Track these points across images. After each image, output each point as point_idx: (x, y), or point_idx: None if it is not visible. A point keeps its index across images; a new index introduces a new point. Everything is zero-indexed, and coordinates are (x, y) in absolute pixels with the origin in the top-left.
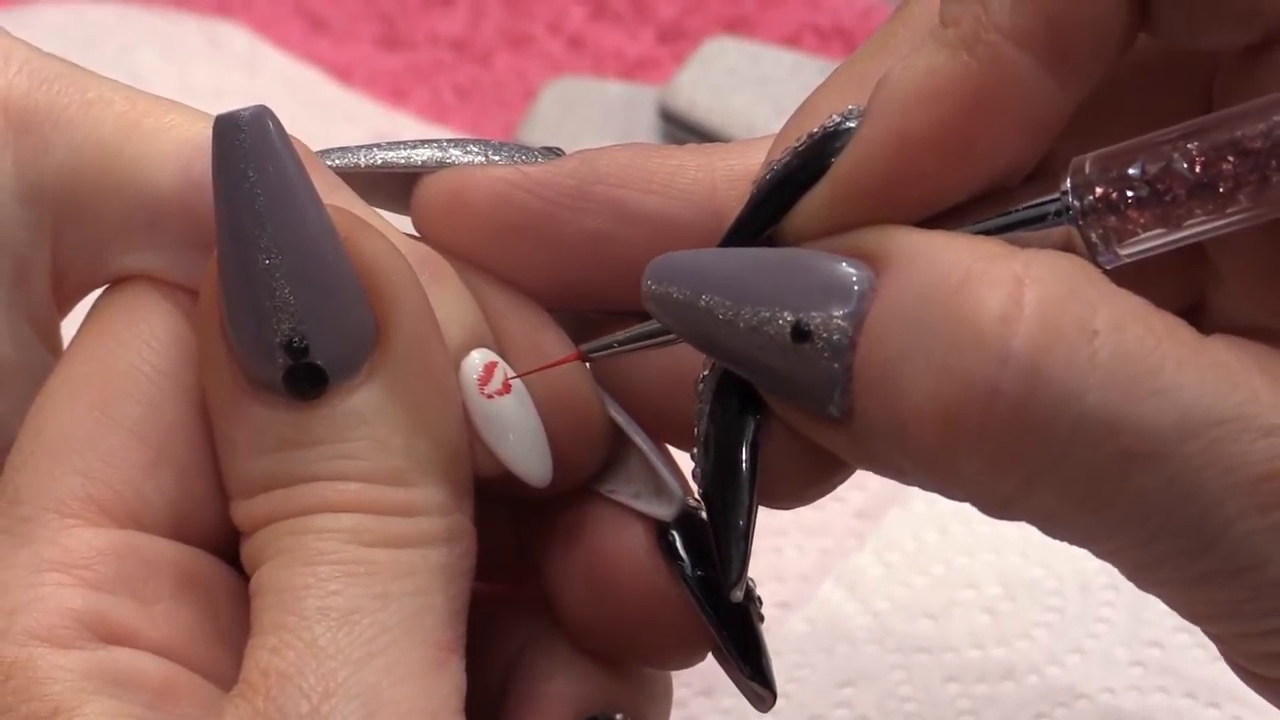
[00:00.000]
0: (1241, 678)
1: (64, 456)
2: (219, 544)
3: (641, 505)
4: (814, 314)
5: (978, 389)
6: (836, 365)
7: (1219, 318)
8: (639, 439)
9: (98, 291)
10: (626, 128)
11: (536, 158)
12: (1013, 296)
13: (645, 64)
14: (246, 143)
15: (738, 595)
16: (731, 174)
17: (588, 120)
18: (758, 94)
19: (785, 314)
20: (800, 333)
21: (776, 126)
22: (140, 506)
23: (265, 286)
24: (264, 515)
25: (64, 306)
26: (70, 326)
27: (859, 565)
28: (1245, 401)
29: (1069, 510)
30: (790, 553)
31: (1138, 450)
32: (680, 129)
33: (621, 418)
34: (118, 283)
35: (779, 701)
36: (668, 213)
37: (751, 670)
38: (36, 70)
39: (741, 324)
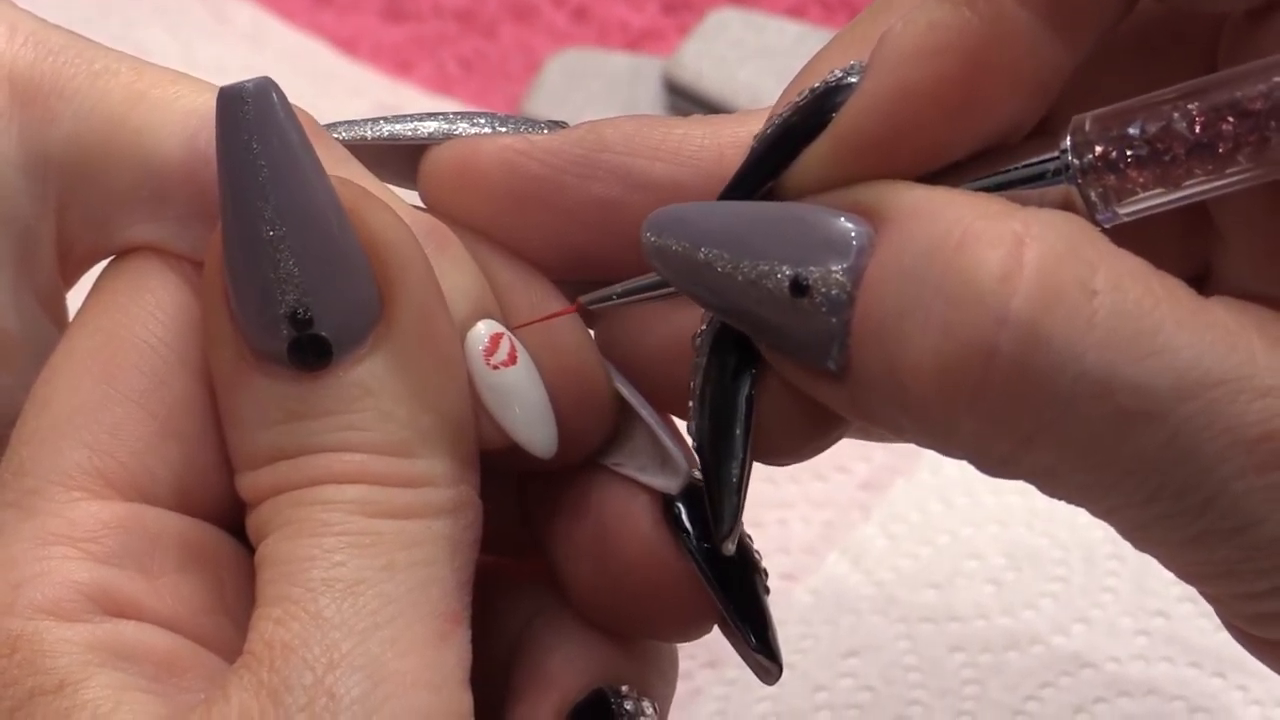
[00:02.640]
0: (1238, 639)
1: (70, 430)
2: (224, 517)
3: (647, 479)
4: (812, 268)
5: (977, 347)
6: (834, 320)
7: (1224, 285)
8: (644, 412)
9: (103, 264)
10: (631, 99)
11: (542, 129)
12: (1013, 255)
13: (650, 35)
14: (250, 114)
15: (729, 548)
16: (738, 141)
17: (593, 92)
18: (762, 65)
19: (784, 268)
20: (798, 287)
21: None
22: (146, 479)
23: (269, 258)
24: (269, 487)
25: (69, 279)
26: (75, 300)
27: (864, 536)
28: (1243, 363)
29: (1067, 469)
30: (796, 525)
31: (1136, 410)
32: (685, 100)
33: (627, 391)
34: (123, 255)
35: (784, 672)
36: (675, 179)
37: (757, 642)
38: (42, 41)
39: (740, 277)
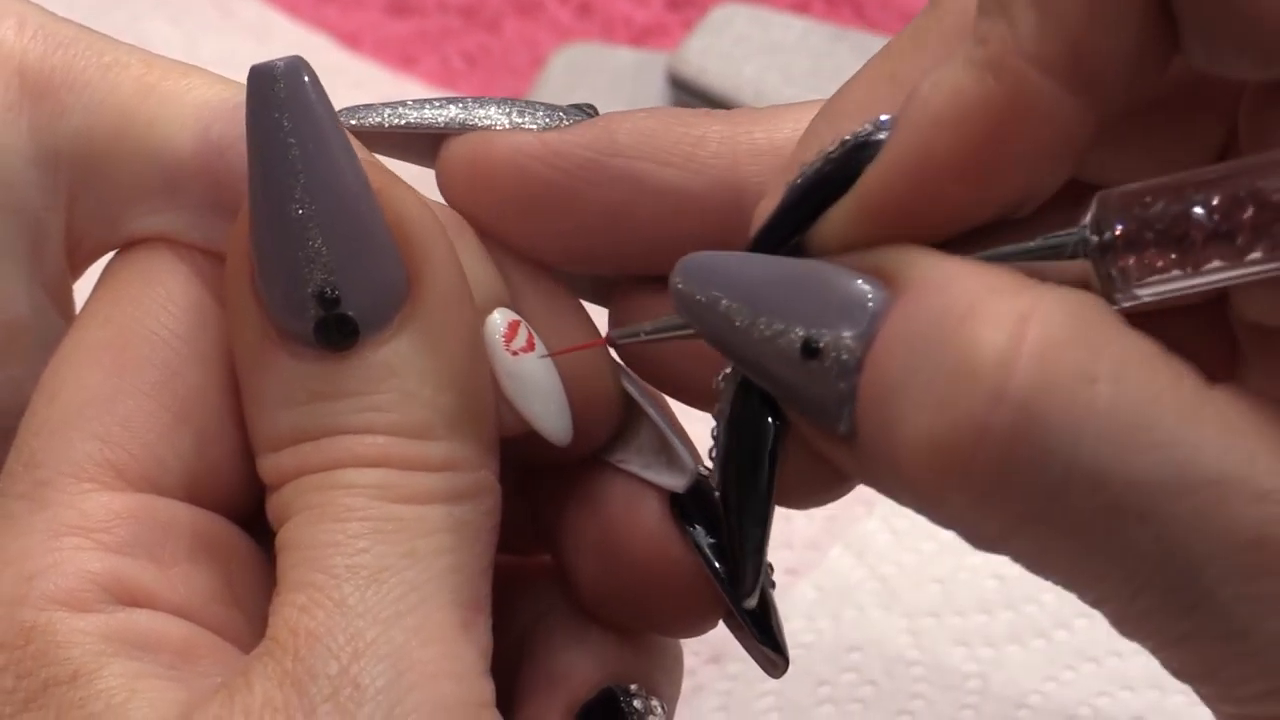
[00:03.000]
0: None
1: (81, 421)
2: (234, 509)
3: (653, 476)
4: (824, 331)
5: (969, 426)
6: (843, 385)
7: (1249, 377)
8: (650, 410)
9: (109, 255)
10: (635, 94)
11: (562, 119)
12: (1015, 335)
13: (654, 30)
14: (282, 93)
15: (750, 603)
16: (754, 147)
17: (596, 87)
18: (767, 60)
19: (797, 328)
20: (810, 349)
21: (785, 93)
22: (157, 470)
23: (298, 237)
24: (291, 469)
25: (76, 270)
26: (81, 291)
27: (867, 531)
28: (1241, 463)
29: (1053, 556)
30: (799, 520)
31: (1127, 505)
32: (689, 95)
33: (634, 388)
34: (132, 246)
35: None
36: (686, 186)
37: (764, 636)
38: (52, 35)
39: (756, 334)
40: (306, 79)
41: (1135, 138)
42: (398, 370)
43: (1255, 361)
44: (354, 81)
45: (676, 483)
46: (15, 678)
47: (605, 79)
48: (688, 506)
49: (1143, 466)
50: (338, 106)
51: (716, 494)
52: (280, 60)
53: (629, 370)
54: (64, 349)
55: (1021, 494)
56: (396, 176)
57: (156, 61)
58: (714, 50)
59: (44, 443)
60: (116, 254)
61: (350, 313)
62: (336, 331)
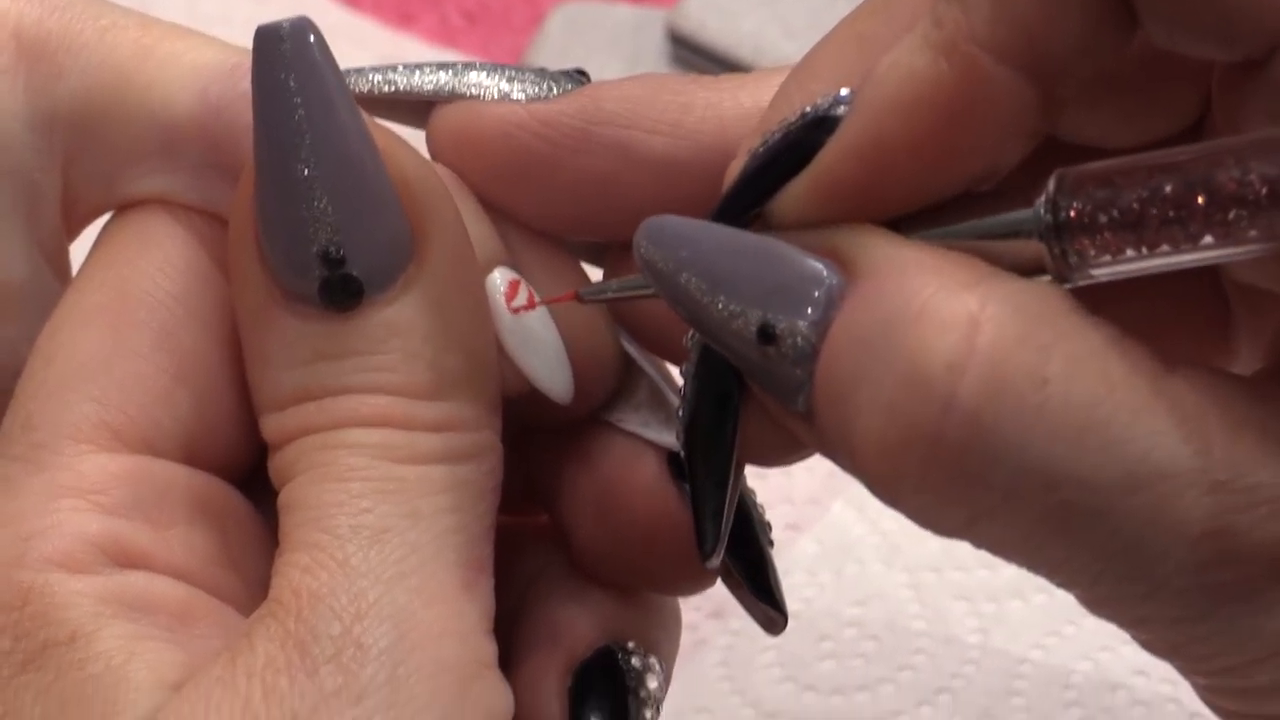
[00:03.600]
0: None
1: (77, 383)
2: (231, 470)
3: (651, 434)
4: (780, 317)
5: (921, 433)
6: (799, 372)
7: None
8: (648, 367)
9: (105, 217)
10: (635, 51)
11: (552, 88)
12: (965, 340)
13: None
14: (288, 53)
15: (713, 563)
16: (741, 111)
17: (596, 44)
18: (766, 15)
19: (754, 311)
20: (765, 334)
21: (785, 48)
22: (154, 432)
23: (304, 197)
24: (294, 428)
25: (73, 231)
26: (78, 253)
27: None
28: (1196, 454)
29: (1011, 547)
30: (800, 474)
31: (1080, 503)
32: (689, 52)
33: (631, 346)
34: (128, 208)
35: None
36: (674, 153)
37: (762, 594)
38: None
39: (715, 311)
40: (312, 39)
41: (1111, 100)
42: (402, 330)
43: (1241, 315)
44: (353, 39)
45: (673, 440)
46: (13, 639)
47: (604, 35)
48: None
49: (1095, 465)
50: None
51: (681, 454)
52: (286, 20)
53: (627, 332)
54: (61, 311)
55: (975, 495)
56: (401, 138)
57: (154, 24)
58: (713, 5)
59: (40, 405)
60: (113, 216)
61: (355, 272)
62: (341, 291)
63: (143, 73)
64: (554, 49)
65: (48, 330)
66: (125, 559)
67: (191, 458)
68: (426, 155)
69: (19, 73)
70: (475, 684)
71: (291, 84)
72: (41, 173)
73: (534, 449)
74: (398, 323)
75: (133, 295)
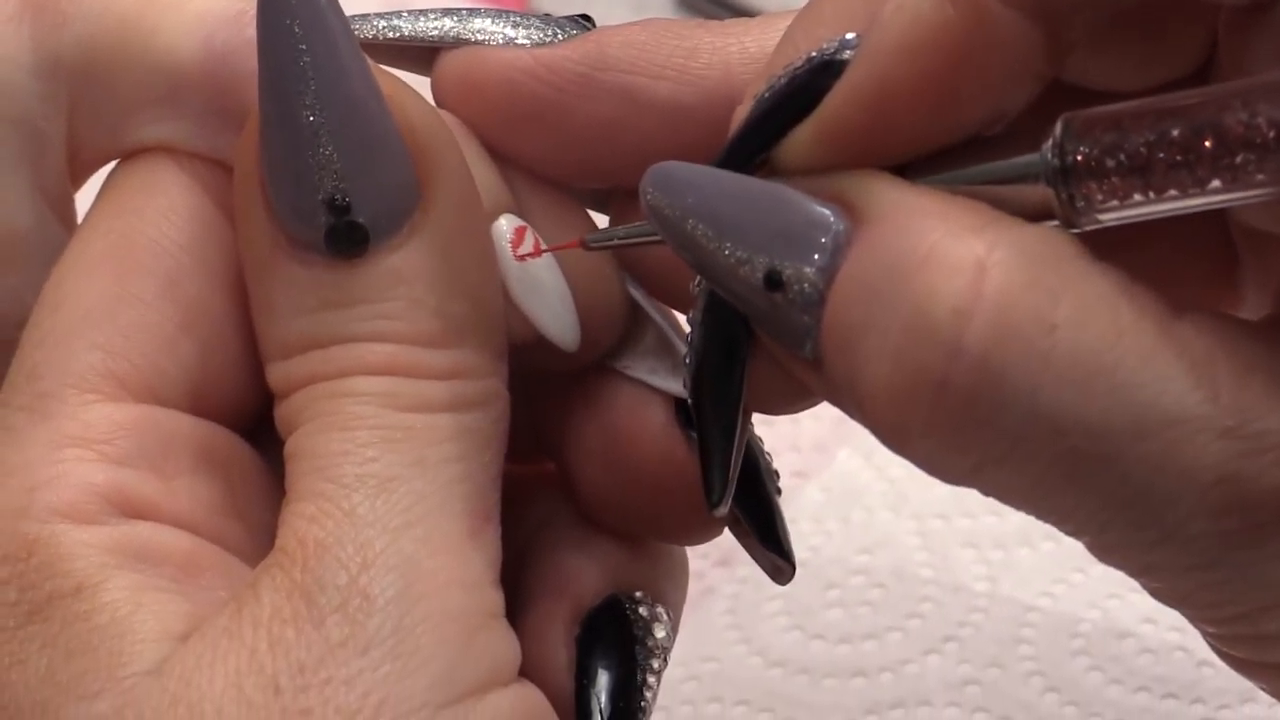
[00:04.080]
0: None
1: (82, 332)
2: (237, 420)
3: (658, 381)
4: (787, 264)
5: (928, 379)
6: (807, 318)
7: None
8: (655, 314)
9: (111, 165)
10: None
11: (557, 34)
12: (972, 285)
13: None
14: None
15: (721, 512)
16: (746, 55)
17: None
18: None
19: (761, 257)
20: (773, 280)
21: None
22: (159, 381)
23: (309, 143)
24: (301, 377)
25: (78, 179)
26: (84, 201)
27: None
28: (1204, 399)
29: (1019, 494)
30: (807, 422)
31: (1090, 449)
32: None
33: (638, 293)
34: (134, 156)
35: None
36: (679, 99)
37: (769, 542)
38: None
39: (721, 258)
40: None
41: (1116, 43)
42: (407, 278)
43: (1248, 261)
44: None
45: (680, 388)
46: (19, 590)
47: None
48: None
49: (1104, 411)
50: (346, 9)
51: (689, 402)
52: None
53: (633, 279)
54: (66, 260)
55: (983, 441)
56: (406, 84)
57: None
58: None
59: (46, 354)
60: (119, 164)
61: (361, 220)
62: (347, 239)
63: (146, 19)
64: None
65: (53, 279)
66: (131, 509)
67: (197, 407)
68: (431, 102)
69: (24, 20)
70: (481, 634)
71: (296, 29)
72: (46, 121)
73: (541, 397)
74: (403, 270)
75: (138, 243)
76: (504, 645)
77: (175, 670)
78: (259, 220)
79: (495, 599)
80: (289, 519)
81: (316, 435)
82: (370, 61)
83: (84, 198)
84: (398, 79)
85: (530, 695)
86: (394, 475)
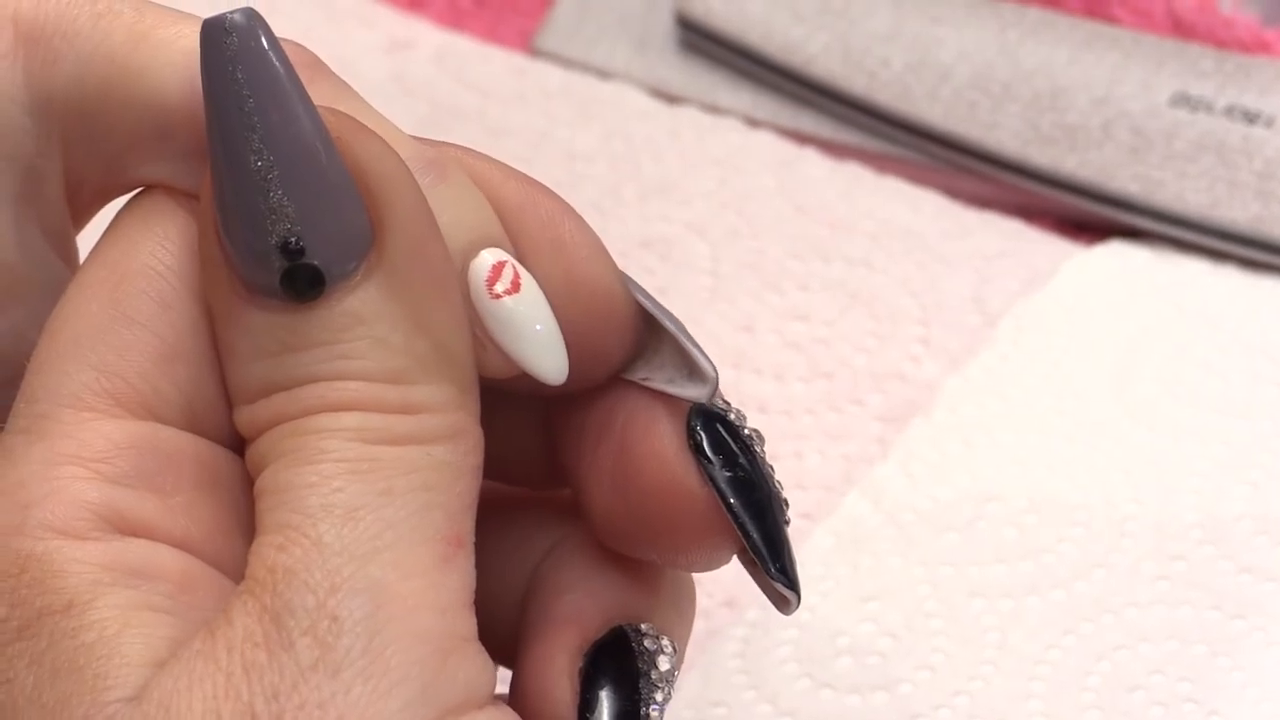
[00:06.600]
0: None
1: (77, 353)
2: (234, 441)
3: (677, 390)
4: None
5: None
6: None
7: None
8: (667, 321)
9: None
10: (644, 34)
11: None
12: None
13: None
14: (234, 44)
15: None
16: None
17: (605, 25)
18: None
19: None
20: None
21: (794, 32)
22: (155, 399)
23: (259, 189)
24: (266, 419)
25: (82, 216)
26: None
27: (883, 476)
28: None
29: None
30: (812, 459)
31: None
32: (698, 35)
33: (647, 300)
34: (135, 194)
35: (804, 616)
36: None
37: (776, 569)
38: None
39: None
40: (260, 30)
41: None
42: (365, 318)
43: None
44: (362, 20)
45: (700, 393)
46: (9, 606)
47: (614, 18)
48: (704, 437)
49: None
50: (346, 46)
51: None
52: (234, 12)
53: (641, 285)
54: (66, 293)
55: None
56: (359, 123)
57: (149, 9)
58: None
59: (43, 379)
60: (123, 204)
61: (315, 262)
62: (302, 282)
63: (136, 59)
64: (563, 33)
65: (54, 312)
66: (127, 527)
67: (194, 426)
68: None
69: (18, 58)
70: (454, 656)
71: (240, 76)
72: (41, 157)
73: (558, 415)
74: (362, 311)
75: (130, 268)
76: (478, 668)
77: (154, 696)
78: (217, 266)
79: (468, 622)
80: (258, 549)
81: (283, 472)
82: (318, 105)
83: (91, 235)
84: (349, 119)
85: (506, 718)
86: (361, 504)
